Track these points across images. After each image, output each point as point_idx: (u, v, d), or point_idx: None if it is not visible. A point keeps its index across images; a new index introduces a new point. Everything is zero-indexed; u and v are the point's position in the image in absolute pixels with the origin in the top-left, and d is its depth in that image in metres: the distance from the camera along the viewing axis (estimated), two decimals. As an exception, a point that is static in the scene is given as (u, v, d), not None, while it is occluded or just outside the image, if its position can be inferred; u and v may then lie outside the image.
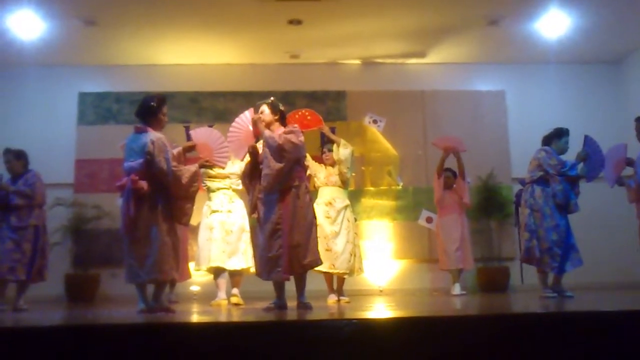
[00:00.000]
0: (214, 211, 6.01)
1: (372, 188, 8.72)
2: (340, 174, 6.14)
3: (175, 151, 4.82)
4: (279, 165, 4.65)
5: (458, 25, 8.01)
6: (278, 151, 4.68)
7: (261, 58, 8.80)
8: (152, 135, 4.57)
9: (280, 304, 4.73)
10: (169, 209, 4.59)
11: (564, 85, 9.14)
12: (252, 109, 5.12)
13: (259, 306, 5.08)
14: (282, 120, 4.99)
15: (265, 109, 4.93)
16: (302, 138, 4.80)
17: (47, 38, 7.72)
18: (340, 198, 6.13)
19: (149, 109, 4.69)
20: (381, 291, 8.15)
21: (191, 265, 6.52)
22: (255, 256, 5.37)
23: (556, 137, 6.06)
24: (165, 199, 4.57)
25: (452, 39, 8.44)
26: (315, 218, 4.92)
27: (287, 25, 7.78)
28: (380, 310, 4.63)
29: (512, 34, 8.20)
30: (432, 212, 8.15)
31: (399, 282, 8.40)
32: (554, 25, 7.89)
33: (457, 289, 7.24)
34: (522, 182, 6.26)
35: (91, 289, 7.90)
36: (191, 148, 5.04)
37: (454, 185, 7.56)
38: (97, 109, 8.78)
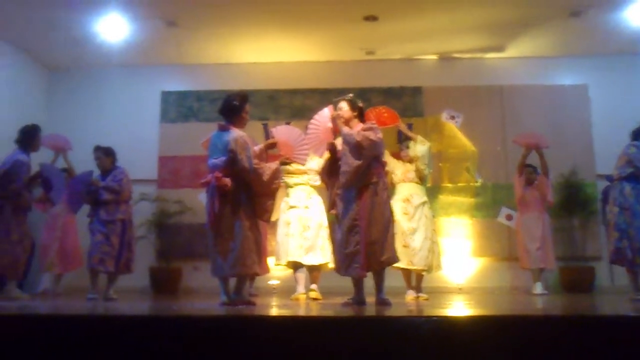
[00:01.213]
0: (291, 207, 6.09)
1: (450, 185, 8.60)
2: (418, 171, 6.11)
3: (257, 148, 4.93)
4: (357, 162, 4.67)
5: (538, 17, 7.77)
6: (356, 148, 4.69)
7: (337, 55, 8.84)
8: (235, 133, 4.69)
9: (358, 300, 4.75)
10: (252, 205, 4.69)
11: (650, 76, 8.72)
12: (330, 106, 5.15)
13: (338, 301, 5.12)
14: (361, 116, 5.00)
15: (344, 105, 4.96)
16: (380, 135, 4.80)
17: (131, 40, 8.02)
18: (417, 194, 6.10)
19: (232, 107, 4.81)
20: (460, 289, 8.03)
21: (270, 260, 6.62)
22: (333, 252, 5.41)
23: None
24: (247, 195, 4.68)
25: (532, 32, 8.20)
26: (393, 215, 4.91)
27: (363, 21, 7.77)
28: (459, 308, 4.58)
29: (596, 24, 7.88)
30: (512, 210, 7.97)
31: (478, 280, 8.24)
32: (641, 14, 7.54)
33: (538, 288, 7.07)
34: (609, 178, 5.97)
35: (174, 281, 8.15)
36: (272, 145, 5.13)
37: (536, 182, 7.37)
38: (179, 107, 9.04)
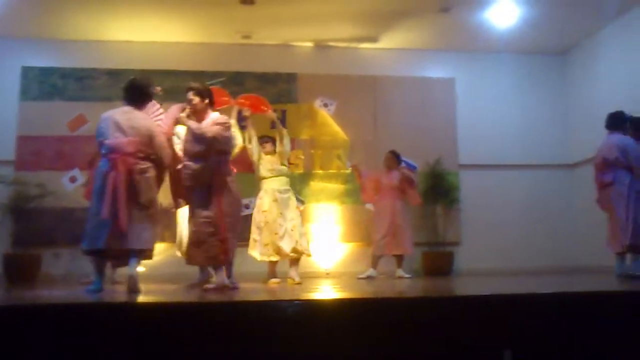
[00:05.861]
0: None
1: (321, 171, 8.74)
2: (282, 165, 6.32)
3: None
4: (201, 162, 4.64)
5: (410, 10, 8.04)
6: (207, 143, 4.63)
7: (213, 37, 8.68)
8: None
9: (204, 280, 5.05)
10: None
11: (512, 74, 9.31)
12: (179, 105, 4.90)
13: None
14: (212, 104, 4.85)
15: (194, 97, 4.74)
16: (231, 131, 4.86)
17: (-13, 8, 7.45)
18: (283, 185, 6.27)
19: (147, 94, 4.72)
20: (328, 274, 8.20)
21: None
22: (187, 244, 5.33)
23: None
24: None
25: (404, 25, 8.48)
26: (240, 211, 4.98)
27: (240, 4, 7.69)
28: (325, 291, 4.66)
29: (463, 21, 8.30)
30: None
31: (346, 265, 8.44)
32: (503, 15, 8.02)
33: (401, 272, 7.34)
34: None
35: (32, 269, 7.63)
36: None
37: (396, 172, 7.53)
38: (42, 84, 8.48)
